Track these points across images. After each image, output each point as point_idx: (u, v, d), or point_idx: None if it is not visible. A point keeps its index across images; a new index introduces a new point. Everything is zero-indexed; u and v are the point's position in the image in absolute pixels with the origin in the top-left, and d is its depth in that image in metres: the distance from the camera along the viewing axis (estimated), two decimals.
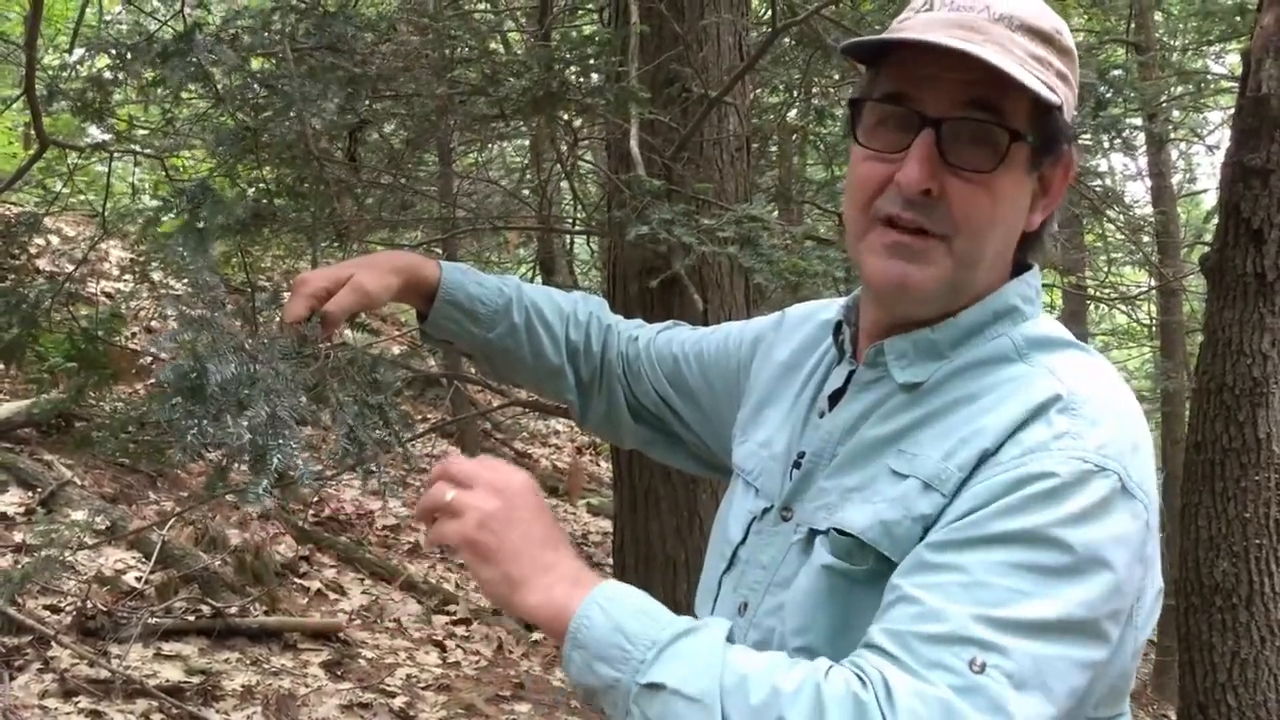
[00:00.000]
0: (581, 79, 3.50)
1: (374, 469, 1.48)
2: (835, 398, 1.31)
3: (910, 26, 1.18)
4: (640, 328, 1.73)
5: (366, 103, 3.10)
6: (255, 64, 3.37)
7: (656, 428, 1.69)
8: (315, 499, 7.42)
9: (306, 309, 1.49)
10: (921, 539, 1.09)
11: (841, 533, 1.16)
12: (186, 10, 3.25)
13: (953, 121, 1.14)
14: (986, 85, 1.12)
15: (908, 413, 1.19)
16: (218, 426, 1.43)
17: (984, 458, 1.09)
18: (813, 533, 1.22)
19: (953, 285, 1.18)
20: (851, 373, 1.30)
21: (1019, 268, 1.26)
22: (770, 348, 1.49)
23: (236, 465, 1.53)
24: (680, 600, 2.83)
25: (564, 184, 5.70)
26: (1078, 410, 1.10)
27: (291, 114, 2.62)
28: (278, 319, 1.52)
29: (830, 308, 1.44)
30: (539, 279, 9.42)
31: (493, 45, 5.45)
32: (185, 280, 1.52)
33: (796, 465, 1.29)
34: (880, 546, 1.12)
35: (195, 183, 2.28)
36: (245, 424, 1.37)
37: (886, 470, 1.16)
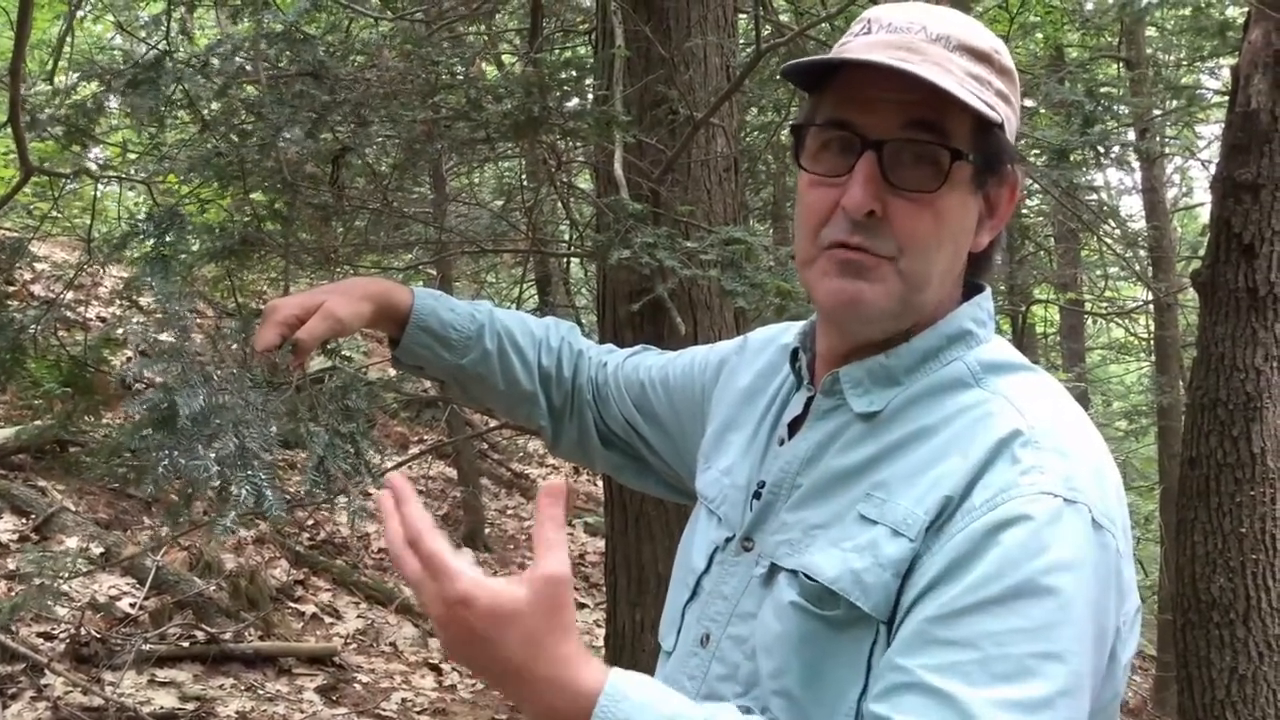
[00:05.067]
0: (565, 103, 3.51)
1: (347, 496, 1.48)
2: (795, 425, 1.30)
3: (849, 50, 1.18)
4: (610, 353, 1.72)
5: (351, 128, 3.10)
6: (250, 90, 3.38)
7: (626, 453, 1.69)
8: (310, 522, 7.41)
9: (278, 337, 1.48)
10: (897, 588, 1.09)
11: (810, 578, 1.15)
12: (172, 36, 3.26)
13: (894, 143, 1.14)
14: (926, 105, 1.12)
15: (868, 443, 1.19)
16: (189, 457, 1.42)
17: (949, 503, 1.09)
18: (775, 567, 1.21)
19: (903, 304, 1.18)
20: (810, 400, 1.29)
21: (970, 290, 1.26)
22: (733, 372, 1.48)
23: (213, 492, 1.52)
24: None
25: (557, 205, 5.71)
26: (1040, 443, 1.10)
27: (266, 140, 2.62)
28: (249, 347, 1.51)
29: (789, 332, 1.43)
30: (535, 299, 9.44)
31: (486, 67, 5.47)
32: (158, 308, 1.52)
33: (757, 495, 1.28)
34: (850, 596, 1.11)
35: (164, 209, 2.28)
36: (213, 456, 1.36)
37: (855, 513, 1.15)
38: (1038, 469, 1.08)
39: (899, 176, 1.14)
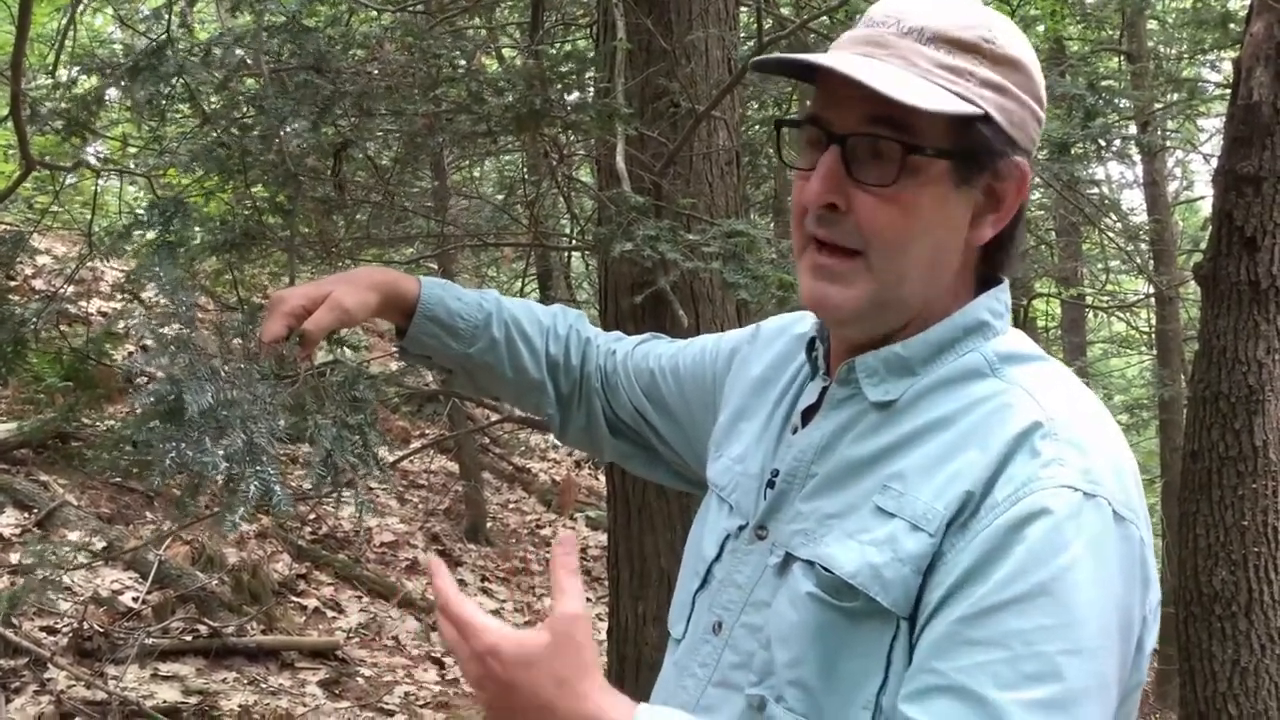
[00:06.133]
0: (566, 95, 3.51)
1: (351, 491, 1.47)
2: (808, 414, 1.30)
3: (834, 45, 1.21)
4: (619, 341, 1.72)
5: (352, 120, 3.10)
6: (251, 83, 3.38)
7: (635, 442, 1.68)
8: (312, 516, 7.41)
9: (284, 328, 1.48)
10: (918, 584, 1.09)
11: (827, 569, 1.15)
12: (172, 30, 3.25)
13: (855, 137, 1.15)
14: (888, 101, 1.12)
15: (884, 433, 1.19)
16: (196, 450, 1.41)
17: (970, 498, 1.09)
18: (790, 557, 1.21)
19: (877, 304, 1.19)
20: (825, 389, 1.29)
21: (986, 283, 1.25)
22: (745, 361, 1.48)
23: (220, 484, 1.52)
24: None
25: (558, 199, 5.70)
26: (1059, 435, 1.10)
27: (270, 132, 2.62)
28: (255, 339, 1.51)
29: (804, 321, 1.43)
30: (536, 293, 9.44)
31: (486, 61, 5.46)
32: (163, 299, 1.51)
33: (770, 484, 1.28)
34: (870, 590, 1.11)
35: (169, 199, 2.27)
36: (221, 452, 1.36)
37: (871, 505, 1.15)
38: (1058, 461, 1.08)
39: (860, 171, 1.15)
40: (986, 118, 1.15)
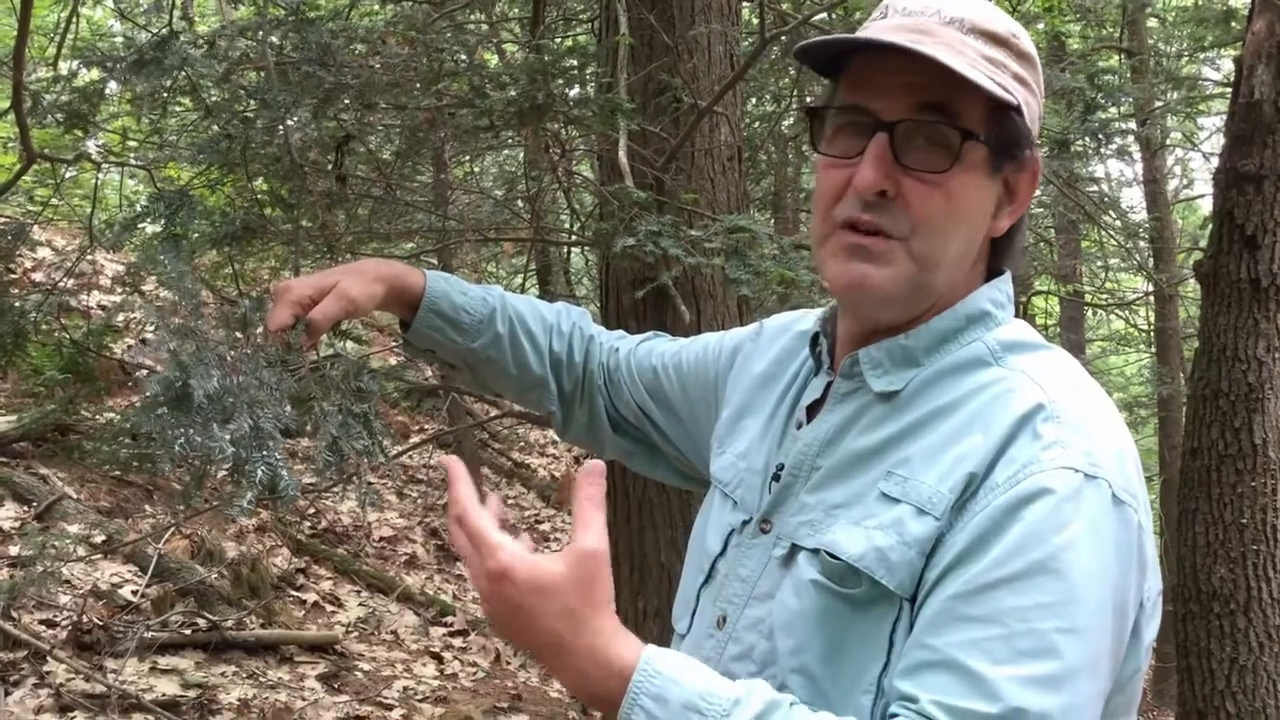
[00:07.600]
0: (568, 90, 3.51)
1: (356, 481, 1.47)
2: (813, 409, 1.30)
3: (863, 34, 1.20)
4: (622, 338, 1.72)
5: (355, 114, 3.10)
6: (252, 77, 3.38)
7: (637, 439, 1.69)
8: (312, 510, 7.41)
9: (290, 317, 1.48)
10: (922, 567, 1.10)
11: (833, 556, 1.15)
12: (174, 22, 3.25)
13: (906, 124, 1.15)
14: (938, 87, 1.13)
15: (889, 423, 1.19)
16: (205, 436, 1.41)
17: (973, 479, 1.10)
18: (796, 548, 1.21)
19: (914, 286, 1.19)
20: (829, 384, 1.29)
21: (991, 274, 1.26)
22: (748, 359, 1.49)
23: (221, 476, 1.51)
24: None
25: (559, 195, 5.70)
26: (1061, 418, 1.10)
27: (273, 125, 2.62)
28: (261, 327, 1.51)
29: (808, 318, 1.44)
30: (536, 288, 9.44)
31: (487, 56, 5.46)
32: (168, 288, 1.51)
33: (775, 478, 1.28)
34: (875, 574, 1.11)
35: (174, 191, 2.27)
36: (228, 435, 1.36)
37: (876, 492, 1.15)
38: (1059, 444, 1.08)
39: (910, 157, 1.15)
40: (1018, 109, 1.17)
